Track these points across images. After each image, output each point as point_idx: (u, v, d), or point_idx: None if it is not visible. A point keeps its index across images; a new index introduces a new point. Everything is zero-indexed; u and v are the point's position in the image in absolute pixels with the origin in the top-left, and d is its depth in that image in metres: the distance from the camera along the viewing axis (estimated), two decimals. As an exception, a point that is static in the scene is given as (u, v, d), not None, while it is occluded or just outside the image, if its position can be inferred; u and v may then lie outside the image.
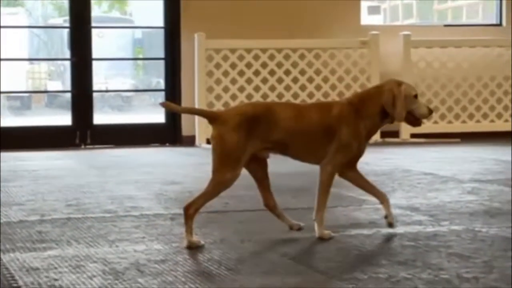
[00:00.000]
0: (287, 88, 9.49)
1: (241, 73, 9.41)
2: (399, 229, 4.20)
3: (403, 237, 4.03)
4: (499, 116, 10.01)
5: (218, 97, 9.38)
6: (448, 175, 6.30)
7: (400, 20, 11.70)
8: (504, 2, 10.27)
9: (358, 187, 4.13)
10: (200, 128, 9.23)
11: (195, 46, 9.26)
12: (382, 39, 9.64)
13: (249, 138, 3.80)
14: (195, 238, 3.85)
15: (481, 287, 3.08)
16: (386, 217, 4.11)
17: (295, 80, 9.50)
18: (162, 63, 9.66)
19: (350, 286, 3.13)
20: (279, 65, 9.46)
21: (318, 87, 9.55)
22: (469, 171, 6.54)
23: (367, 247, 3.84)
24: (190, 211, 3.82)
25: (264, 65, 9.43)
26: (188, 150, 8.87)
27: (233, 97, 9.40)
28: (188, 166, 7.29)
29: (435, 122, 9.82)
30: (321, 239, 3.94)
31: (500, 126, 9.97)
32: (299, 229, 4.10)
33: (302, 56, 9.51)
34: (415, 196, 5.31)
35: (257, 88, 9.41)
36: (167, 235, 4.12)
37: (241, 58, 9.40)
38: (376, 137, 9.48)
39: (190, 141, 9.33)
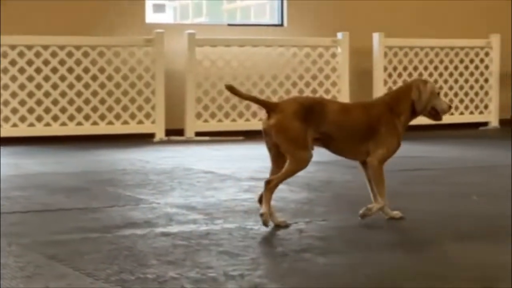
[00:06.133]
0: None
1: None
2: (173, 229, 4.20)
3: (176, 237, 4.03)
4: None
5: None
6: (228, 174, 6.37)
7: (190, 19, 11.74)
8: (285, 3, 10.50)
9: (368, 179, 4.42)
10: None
11: (-13, 42, 8.93)
12: (167, 37, 9.63)
13: (305, 124, 4.13)
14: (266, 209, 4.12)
15: (246, 284, 3.11)
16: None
17: (78, 78, 9.32)
18: None
19: (116, 288, 3.08)
20: (62, 62, 9.25)
21: (102, 85, 9.41)
22: (248, 169, 6.63)
23: (139, 247, 3.80)
24: (271, 184, 4.13)
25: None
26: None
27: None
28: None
29: (220, 121, 9.92)
30: (393, 218, 4.38)
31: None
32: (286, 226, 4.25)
33: (85, 54, 9.34)
34: (192, 195, 5.32)
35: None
36: None
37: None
38: (161, 135, 9.47)
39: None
